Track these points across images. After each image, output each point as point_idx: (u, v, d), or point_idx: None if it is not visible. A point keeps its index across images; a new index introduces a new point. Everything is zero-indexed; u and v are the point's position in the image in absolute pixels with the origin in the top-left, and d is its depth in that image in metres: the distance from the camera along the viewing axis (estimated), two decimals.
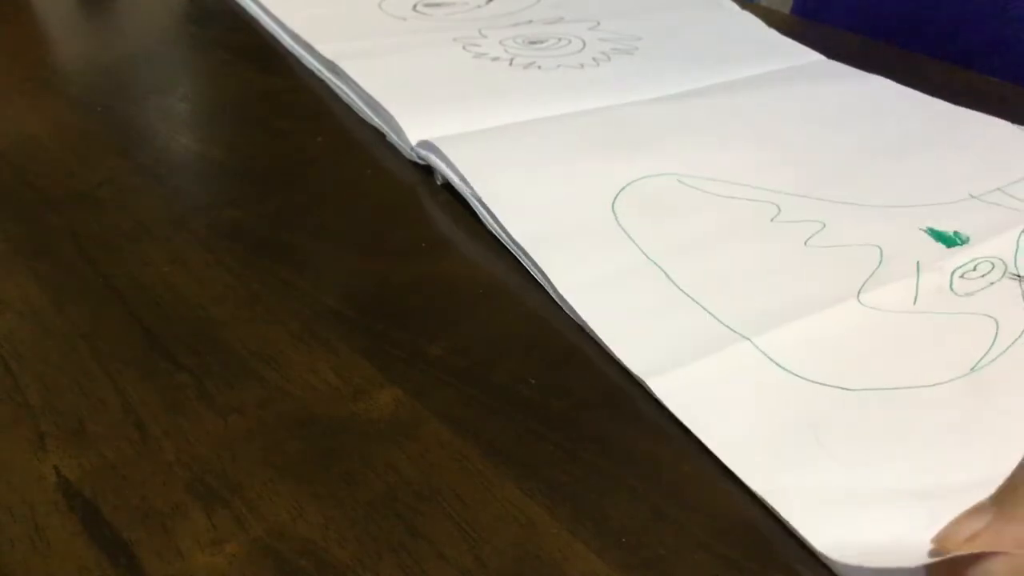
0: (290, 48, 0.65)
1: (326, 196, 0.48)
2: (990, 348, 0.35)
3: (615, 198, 0.45)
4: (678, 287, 0.40)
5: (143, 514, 0.30)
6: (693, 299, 0.39)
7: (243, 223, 0.46)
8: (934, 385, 0.34)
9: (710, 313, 0.38)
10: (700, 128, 0.52)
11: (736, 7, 0.71)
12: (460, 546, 0.29)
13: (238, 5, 0.72)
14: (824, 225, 0.43)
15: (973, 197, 0.44)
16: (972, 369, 0.34)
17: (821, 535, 0.29)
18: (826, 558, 0.29)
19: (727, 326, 0.37)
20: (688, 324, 0.38)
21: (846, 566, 0.28)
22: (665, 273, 0.41)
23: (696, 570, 0.29)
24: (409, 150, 0.51)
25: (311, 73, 0.61)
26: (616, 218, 0.44)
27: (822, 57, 0.62)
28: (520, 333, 0.39)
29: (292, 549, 0.29)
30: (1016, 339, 0.35)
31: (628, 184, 0.46)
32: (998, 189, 0.44)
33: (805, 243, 0.42)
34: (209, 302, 0.40)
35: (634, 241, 0.42)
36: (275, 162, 0.51)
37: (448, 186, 0.48)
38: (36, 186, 0.49)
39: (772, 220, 0.44)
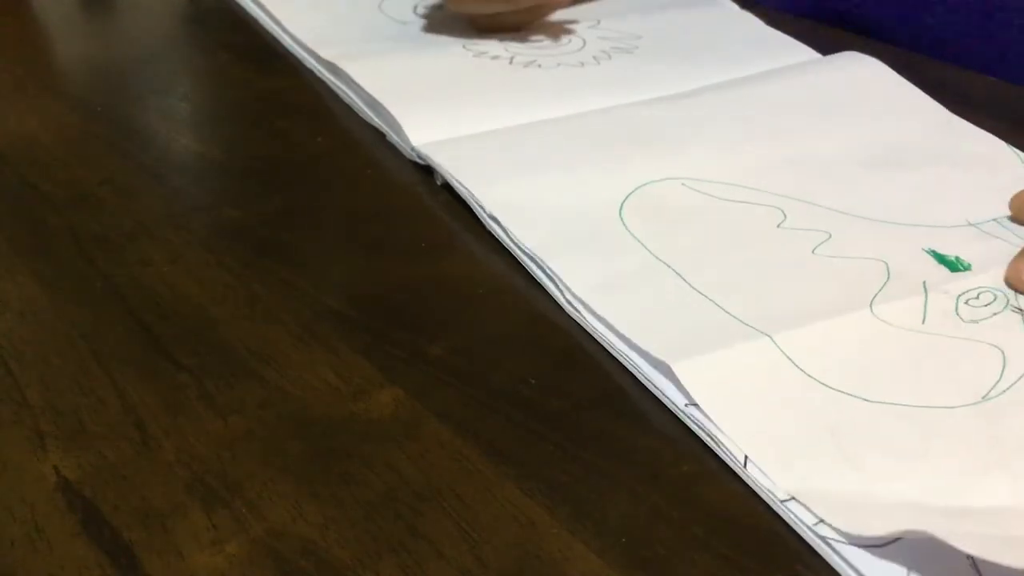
0: (290, 48, 0.65)
1: (326, 196, 0.48)
2: (999, 379, 0.35)
3: (622, 204, 0.45)
4: (692, 287, 0.40)
5: (143, 514, 0.30)
6: (708, 298, 0.39)
7: (243, 223, 0.46)
8: (948, 408, 0.34)
9: (726, 311, 0.38)
10: (702, 128, 0.52)
11: (736, 7, 0.71)
12: (460, 546, 0.29)
13: (238, 5, 0.72)
14: (830, 235, 0.43)
15: (971, 224, 0.44)
16: (984, 398, 0.34)
17: (837, 521, 0.29)
18: (846, 534, 0.29)
19: (745, 323, 0.38)
20: (706, 319, 0.38)
21: (865, 537, 0.29)
22: (678, 274, 0.41)
23: (696, 570, 0.29)
24: (409, 150, 0.51)
25: (311, 73, 0.61)
26: (624, 224, 0.44)
27: (820, 56, 0.62)
28: (520, 333, 0.39)
29: (292, 549, 0.29)
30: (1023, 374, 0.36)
31: (634, 190, 0.46)
32: (994, 220, 0.45)
33: (812, 251, 0.42)
34: (209, 302, 0.40)
35: (644, 246, 0.43)
36: (275, 162, 0.51)
37: (448, 186, 0.48)
38: (36, 186, 0.49)
39: (779, 226, 0.44)
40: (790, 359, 0.36)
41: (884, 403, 0.34)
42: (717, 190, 0.47)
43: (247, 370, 0.36)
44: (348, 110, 0.57)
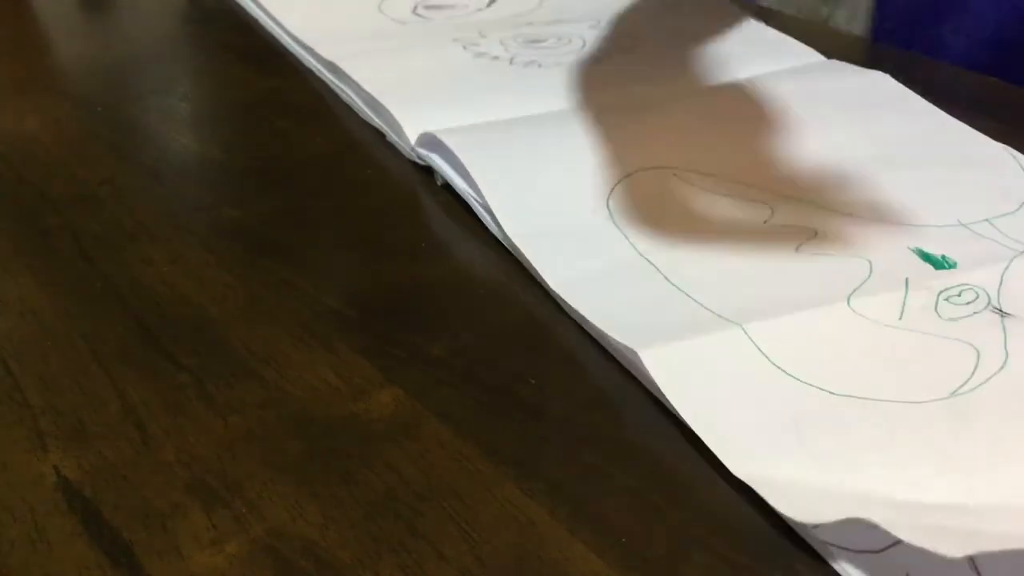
0: (290, 48, 0.65)
1: (326, 196, 0.48)
2: (971, 376, 0.35)
3: (610, 193, 0.45)
4: (668, 280, 0.40)
5: (143, 514, 0.30)
6: (684, 292, 0.39)
7: (243, 223, 0.46)
8: (914, 403, 0.34)
9: (700, 304, 0.38)
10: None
11: (736, 7, 0.71)
12: (460, 546, 0.29)
13: (238, 5, 0.72)
14: (816, 233, 0.43)
15: (962, 224, 0.44)
16: (952, 394, 0.34)
17: (783, 508, 0.30)
18: (799, 524, 0.29)
19: (717, 314, 0.38)
20: (678, 311, 0.38)
21: (820, 527, 0.29)
22: (656, 267, 0.41)
23: (696, 570, 0.29)
24: (409, 150, 0.51)
25: (311, 73, 0.62)
26: (610, 213, 0.44)
27: (822, 57, 0.62)
28: (520, 333, 0.39)
29: (292, 549, 0.29)
30: (996, 372, 0.35)
31: (624, 178, 0.46)
32: (986, 220, 0.44)
33: (796, 249, 0.42)
34: (209, 302, 0.40)
35: (626, 237, 0.43)
36: (275, 162, 0.51)
37: (448, 186, 0.48)
38: (36, 186, 0.49)
39: (765, 222, 0.44)
40: (759, 349, 0.36)
41: (850, 396, 0.34)
42: (708, 183, 0.47)
43: (247, 370, 0.36)
44: (348, 110, 0.57)
